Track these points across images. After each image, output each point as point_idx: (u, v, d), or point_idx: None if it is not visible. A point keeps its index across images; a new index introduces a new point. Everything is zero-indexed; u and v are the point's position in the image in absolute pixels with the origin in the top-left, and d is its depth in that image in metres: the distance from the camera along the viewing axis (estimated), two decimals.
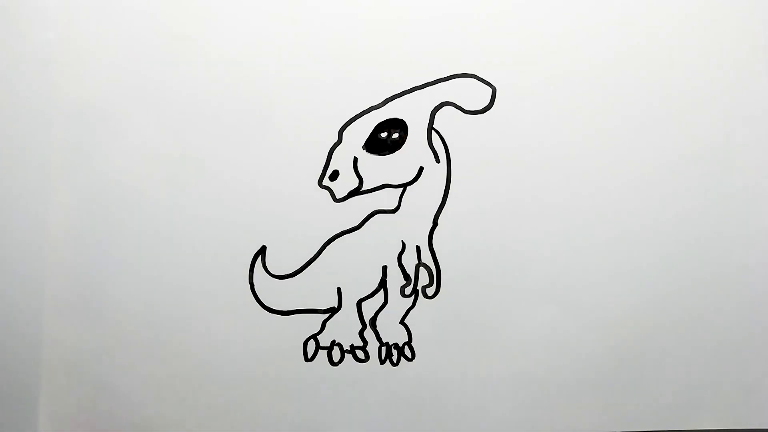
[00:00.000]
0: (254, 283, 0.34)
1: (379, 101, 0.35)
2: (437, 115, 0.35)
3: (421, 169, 0.35)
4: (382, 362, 0.34)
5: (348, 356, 0.34)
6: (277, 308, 0.34)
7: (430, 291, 0.34)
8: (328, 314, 0.34)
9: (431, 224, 0.35)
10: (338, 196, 0.35)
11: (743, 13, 0.36)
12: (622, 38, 0.35)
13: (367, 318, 0.34)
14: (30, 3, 0.35)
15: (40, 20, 0.35)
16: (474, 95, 0.35)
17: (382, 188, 0.35)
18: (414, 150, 0.35)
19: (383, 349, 0.34)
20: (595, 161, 0.35)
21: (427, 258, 0.35)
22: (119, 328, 0.34)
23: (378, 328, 0.34)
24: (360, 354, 0.34)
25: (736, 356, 0.35)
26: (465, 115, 0.35)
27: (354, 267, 0.35)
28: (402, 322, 0.34)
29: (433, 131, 0.35)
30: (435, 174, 0.35)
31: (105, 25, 0.35)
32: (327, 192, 0.35)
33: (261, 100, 0.35)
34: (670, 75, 0.35)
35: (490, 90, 0.35)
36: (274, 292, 0.34)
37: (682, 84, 0.35)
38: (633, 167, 0.35)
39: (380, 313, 0.34)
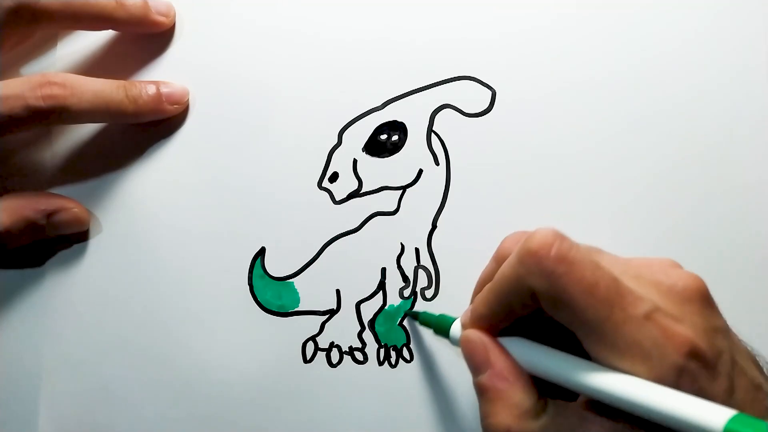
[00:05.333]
0: (253, 284, 0.35)
1: (379, 103, 0.35)
2: (437, 117, 0.35)
3: (420, 171, 0.35)
4: (381, 364, 0.34)
5: (347, 358, 0.34)
6: (275, 310, 0.35)
7: (429, 293, 0.34)
8: (326, 316, 0.34)
9: (430, 227, 0.35)
10: (337, 198, 0.35)
11: (744, 14, 0.36)
12: (623, 41, 0.35)
13: (365, 320, 0.34)
14: None
15: None
16: (474, 98, 0.35)
17: (381, 190, 0.35)
18: (413, 152, 0.35)
19: (382, 351, 0.34)
20: (595, 164, 0.35)
21: (426, 260, 0.35)
22: (119, 329, 0.35)
23: (376, 330, 0.34)
24: (359, 355, 0.34)
25: None
26: (465, 117, 0.35)
27: (353, 269, 0.35)
28: (400, 324, 0.34)
29: (432, 134, 0.35)
30: (434, 176, 0.35)
31: None
32: (326, 194, 0.35)
33: (260, 101, 0.35)
34: (672, 78, 0.35)
35: (490, 93, 0.35)
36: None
37: (684, 87, 0.35)
38: (634, 170, 0.35)
39: (379, 315, 0.34)
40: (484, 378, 0.26)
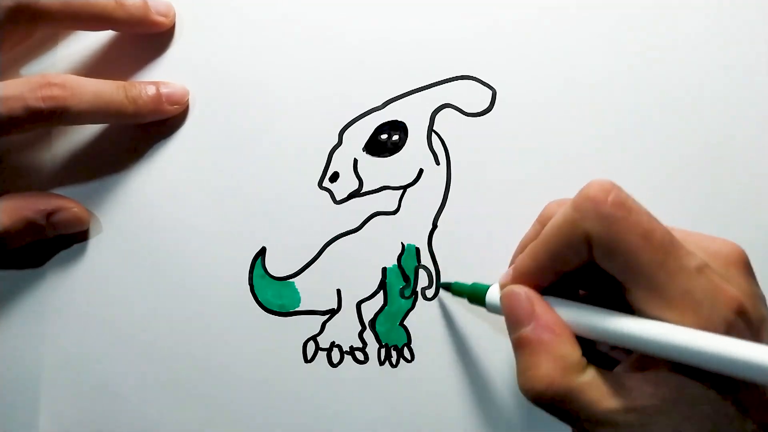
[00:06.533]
0: (254, 284, 0.35)
1: (379, 103, 0.35)
2: (437, 117, 0.35)
3: (420, 171, 0.35)
4: (382, 363, 0.34)
5: (347, 357, 0.34)
6: (276, 310, 0.35)
7: (430, 293, 0.34)
8: (327, 316, 0.34)
9: (431, 226, 0.35)
10: (338, 198, 0.35)
11: (745, 15, 0.36)
12: (624, 40, 0.35)
13: (366, 319, 0.34)
14: None
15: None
16: (474, 97, 0.35)
17: (382, 190, 0.35)
18: (414, 152, 0.35)
19: (382, 351, 0.34)
20: (595, 163, 0.35)
21: (426, 260, 0.35)
22: (120, 328, 0.35)
23: (377, 330, 0.34)
24: (359, 355, 0.34)
25: None
26: (465, 117, 0.35)
27: (353, 269, 0.35)
28: (401, 323, 0.34)
29: (433, 133, 0.35)
30: (435, 176, 0.35)
31: None
32: (327, 194, 0.35)
33: (260, 101, 0.35)
34: (673, 77, 0.35)
35: (491, 92, 0.35)
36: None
37: (685, 86, 0.35)
38: (635, 170, 0.35)
39: (380, 315, 0.34)
40: (528, 330, 0.25)
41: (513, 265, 0.27)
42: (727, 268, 0.24)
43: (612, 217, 0.23)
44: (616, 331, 0.24)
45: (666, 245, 0.23)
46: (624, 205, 0.24)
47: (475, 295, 0.30)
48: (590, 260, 0.25)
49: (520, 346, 0.26)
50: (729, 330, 0.22)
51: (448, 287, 0.33)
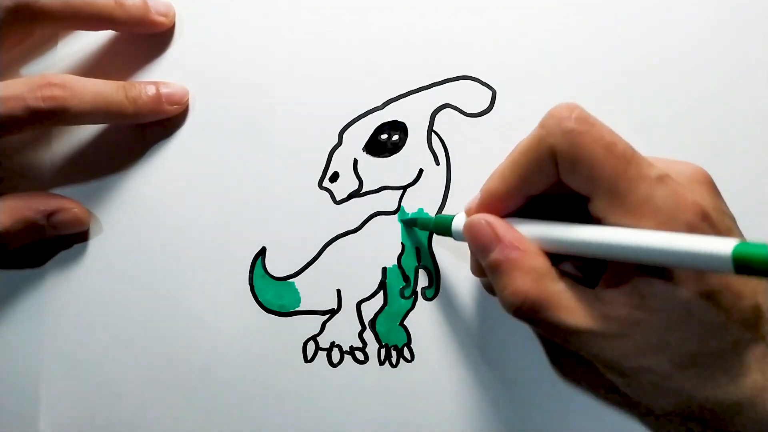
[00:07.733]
0: (254, 284, 0.35)
1: (379, 103, 0.35)
2: (437, 117, 0.35)
3: (420, 171, 0.35)
4: (382, 363, 0.34)
5: (347, 357, 0.34)
6: (276, 310, 0.35)
7: (430, 293, 0.34)
8: (327, 316, 0.34)
9: None
10: (338, 198, 0.35)
11: (745, 16, 0.36)
12: (624, 41, 0.35)
13: (366, 319, 0.34)
14: None
15: None
16: (474, 98, 0.35)
17: (382, 190, 0.35)
18: (414, 152, 0.35)
19: (383, 351, 0.34)
20: None
21: (426, 260, 0.35)
22: (120, 328, 0.35)
23: (377, 330, 0.34)
24: (359, 355, 0.34)
25: None
26: (465, 117, 0.35)
27: (353, 268, 0.35)
28: (401, 323, 0.34)
29: (433, 133, 0.35)
30: (435, 176, 0.35)
31: None
32: (327, 194, 0.35)
33: (260, 101, 0.35)
34: (673, 79, 0.35)
35: (490, 92, 0.35)
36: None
37: (686, 88, 0.35)
38: None
39: (380, 315, 0.34)
40: (495, 253, 0.26)
41: (481, 189, 0.28)
42: (691, 185, 0.25)
43: (575, 131, 0.24)
44: (578, 240, 0.24)
45: (627, 156, 0.24)
46: (587, 120, 0.24)
47: (441, 225, 0.31)
48: (556, 181, 0.25)
49: (492, 270, 0.26)
50: (690, 232, 0.23)
51: (414, 222, 0.33)
